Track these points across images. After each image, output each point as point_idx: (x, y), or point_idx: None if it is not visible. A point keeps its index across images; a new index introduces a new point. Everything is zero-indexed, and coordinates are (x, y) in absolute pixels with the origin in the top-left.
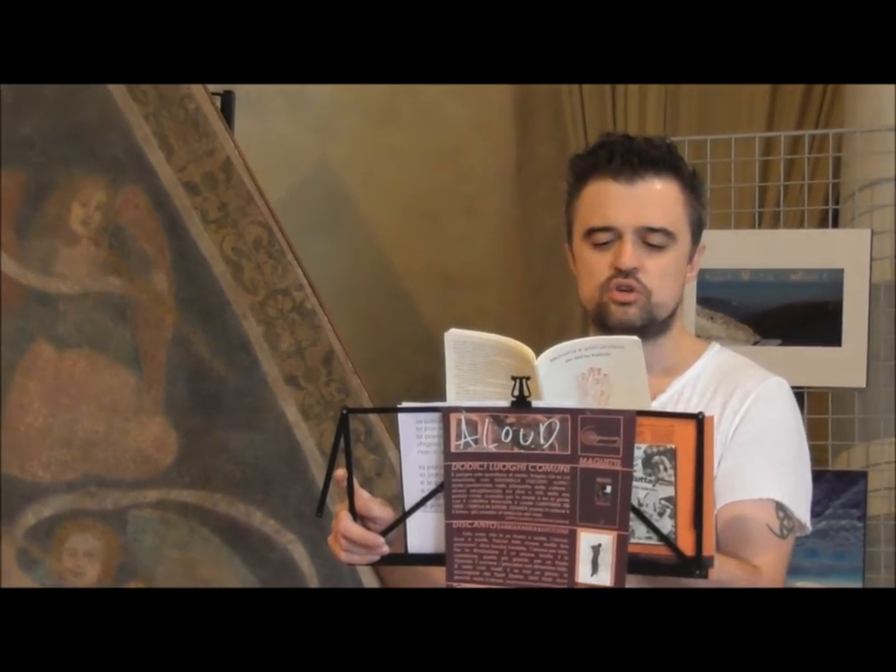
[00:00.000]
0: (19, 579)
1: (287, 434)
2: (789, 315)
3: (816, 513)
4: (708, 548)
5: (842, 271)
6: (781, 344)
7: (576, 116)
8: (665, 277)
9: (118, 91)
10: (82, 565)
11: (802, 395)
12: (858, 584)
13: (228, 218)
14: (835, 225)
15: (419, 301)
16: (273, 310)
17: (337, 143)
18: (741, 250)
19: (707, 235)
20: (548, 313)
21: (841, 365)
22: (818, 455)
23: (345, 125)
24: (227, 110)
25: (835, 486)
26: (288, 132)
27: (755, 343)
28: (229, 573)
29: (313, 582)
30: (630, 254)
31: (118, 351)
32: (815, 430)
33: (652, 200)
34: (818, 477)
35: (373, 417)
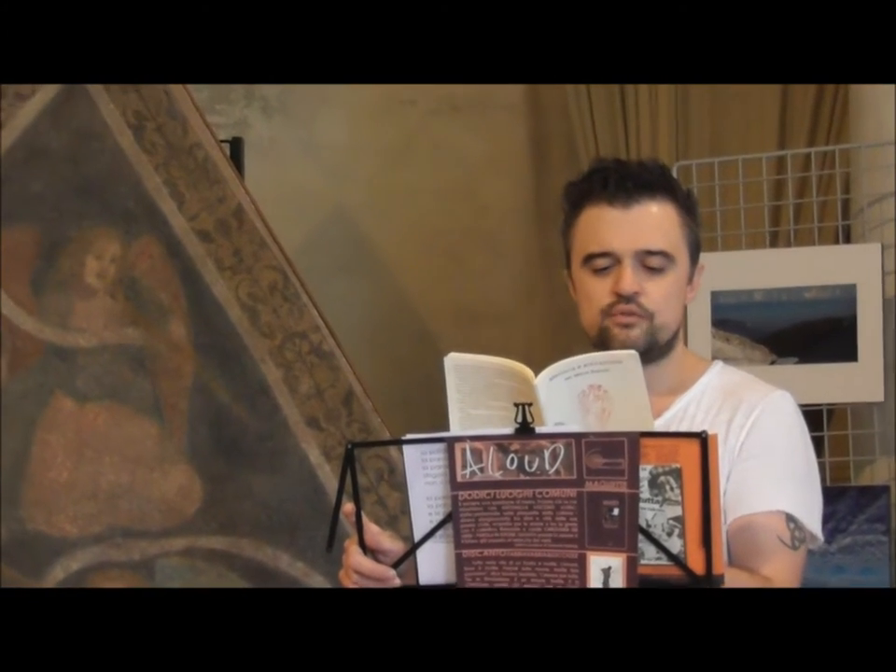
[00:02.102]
0: None
1: (310, 476)
2: (804, 333)
3: (840, 530)
4: (718, 566)
5: (854, 286)
6: (798, 363)
7: (589, 146)
8: (666, 299)
9: (126, 143)
10: None
11: (821, 412)
12: None
13: (242, 264)
14: (848, 241)
15: (442, 339)
16: (290, 353)
17: (352, 185)
18: (753, 271)
19: (719, 257)
20: (573, 345)
21: (858, 380)
22: (840, 471)
23: (360, 167)
24: (236, 157)
25: (859, 502)
26: (303, 176)
27: (772, 363)
28: None
29: None
30: (630, 279)
31: (138, 401)
32: (836, 446)
33: (649, 223)
34: (841, 493)
35: (396, 456)
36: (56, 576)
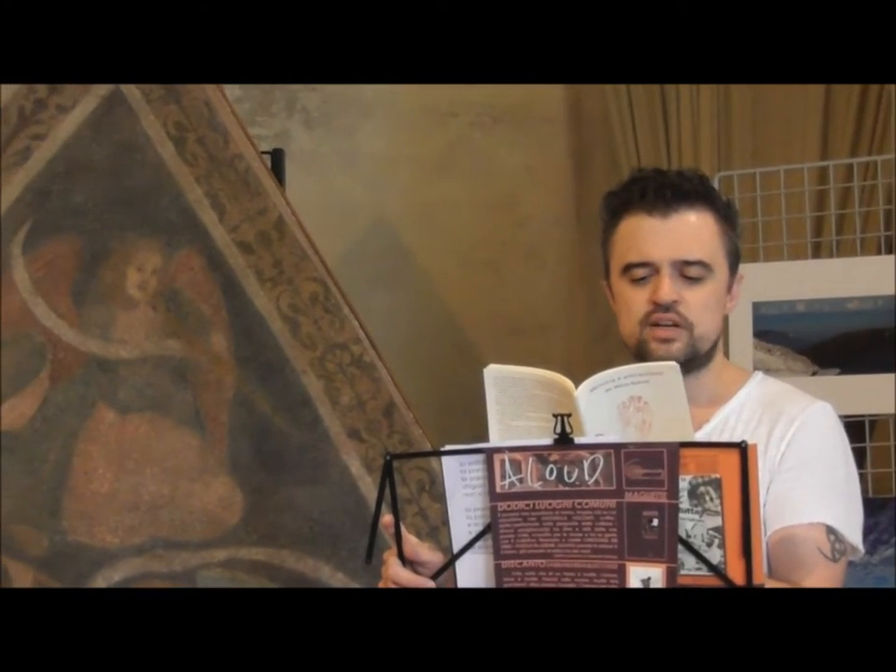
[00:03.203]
0: None
1: (351, 487)
2: (846, 344)
3: (883, 541)
4: (759, 576)
5: None
6: (840, 374)
7: (630, 156)
8: (705, 309)
9: (168, 155)
10: None
11: (863, 423)
12: None
13: (283, 276)
14: (891, 252)
15: (483, 350)
16: (332, 364)
17: (393, 196)
18: (795, 281)
19: (761, 268)
20: (614, 356)
21: None
22: (882, 482)
23: (400, 179)
24: (277, 168)
25: None
26: (344, 188)
27: (813, 374)
28: None
29: None
30: (668, 288)
31: (179, 413)
32: (878, 458)
33: (688, 233)
34: (883, 505)
35: (437, 467)
36: (97, 587)
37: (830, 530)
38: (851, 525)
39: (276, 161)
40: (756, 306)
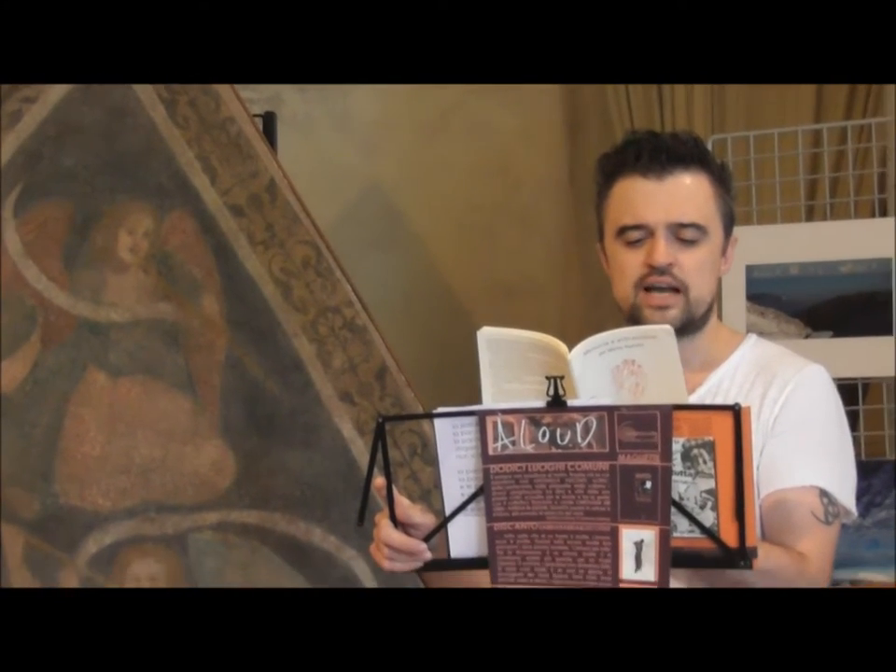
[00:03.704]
0: None
1: (343, 451)
2: (839, 307)
3: (876, 504)
4: (752, 538)
5: (890, 260)
6: (833, 336)
7: (624, 119)
8: (700, 272)
9: (159, 118)
10: None
11: (856, 386)
12: None
13: (275, 239)
14: (885, 214)
15: (477, 313)
16: (324, 328)
17: (386, 160)
18: (789, 245)
19: (755, 231)
20: (607, 320)
21: (893, 354)
22: (875, 445)
23: (394, 142)
24: (269, 131)
25: (894, 476)
26: (336, 151)
27: (807, 337)
28: None
29: None
30: (663, 250)
31: (171, 376)
32: (871, 421)
33: (683, 195)
34: (876, 467)
35: (429, 430)
36: (89, 550)
37: (823, 493)
38: (844, 488)
39: (268, 125)
40: (749, 269)
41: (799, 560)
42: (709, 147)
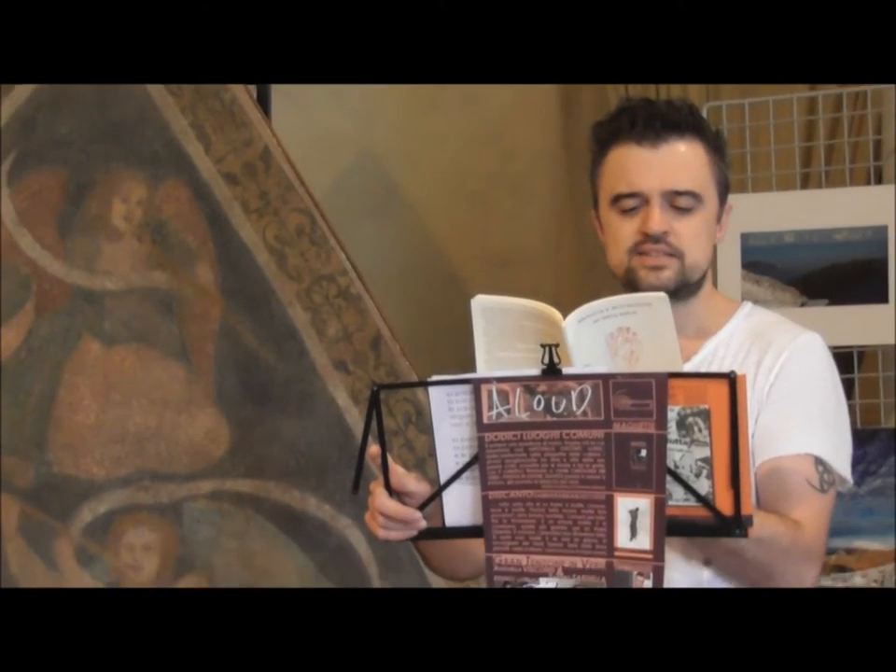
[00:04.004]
0: (78, 576)
1: (338, 419)
2: (834, 275)
3: (871, 472)
4: (747, 507)
5: (886, 227)
6: (828, 305)
7: (618, 88)
8: (695, 239)
9: (153, 86)
10: (140, 559)
11: (851, 354)
12: None
13: (269, 207)
14: (880, 182)
15: (471, 282)
16: (318, 296)
17: (380, 129)
18: (784, 212)
19: (749, 199)
20: (602, 288)
21: (889, 322)
22: (870, 413)
23: (387, 111)
24: (263, 100)
25: (889, 444)
26: (330, 120)
27: (802, 305)
28: (286, 560)
29: (371, 566)
30: (658, 218)
31: (165, 345)
32: (866, 389)
33: (678, 163)
34: (871, 436)
35: (424, 399)
36: (83, 518)
37: (818, 461)
38: (840, 456)
39: (262, 93)
40: (744, 237)
41: (794, 528)
42: (704, 114)
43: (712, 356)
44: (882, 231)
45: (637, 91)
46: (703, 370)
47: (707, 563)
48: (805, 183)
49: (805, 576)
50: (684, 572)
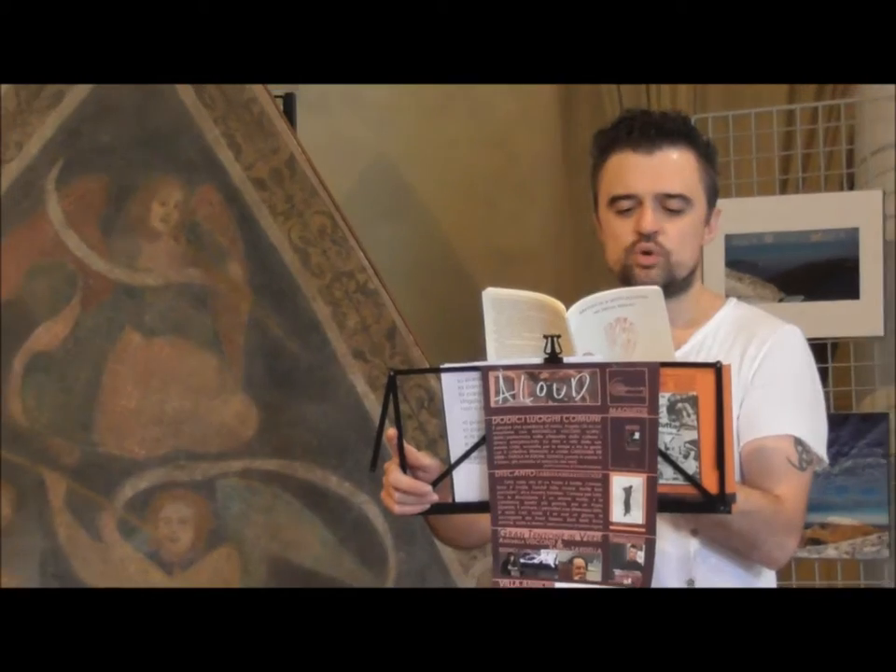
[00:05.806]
0: (121, 547)
1: (357, 404)
2: (810, 273)
3: (843, 453)
4: (731, 485)
5: (857, 230)
6: (804, 300)
7: (613, 101)
8: (683, 239)
9: (188, 98)
10: (176, 531)
11: (825, 345)
12: (885, 517)
13: (294, 210)
14: (852, 188)
15: (478, 278)
16: (339, 292)
17: (395, 137)
18: (764, 216)
19: (733, 203)
20: (598, 281)
21: (860, 316)
22: (842, 400)
23: (402, 121)
24: (289, 111)
25: (860, 428)
26: (349, 129)
27: (780, 300)
28: (310, 533)
29: (387, 537)
30: (650, 219)
31: (200, 336)
32: (839, 377)
33: (670, 168)
34: (844, 420)
35: (435, 385)
36: (125, 494)
37: (797, 441)
38: (817, 437)
39: (288, 105)
40: (728, 238)
41: (775, 502)
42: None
43: (701, 344)
44: (854, 232)
45: (629, 91)
46: (692, 356)
47: (695, 533)
48: (784, 189)
49: (786, 546)
50: (674, 543)
